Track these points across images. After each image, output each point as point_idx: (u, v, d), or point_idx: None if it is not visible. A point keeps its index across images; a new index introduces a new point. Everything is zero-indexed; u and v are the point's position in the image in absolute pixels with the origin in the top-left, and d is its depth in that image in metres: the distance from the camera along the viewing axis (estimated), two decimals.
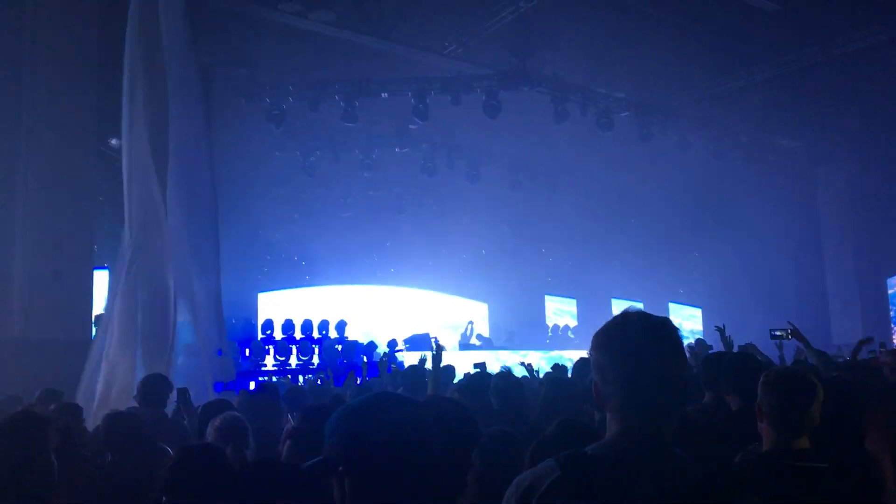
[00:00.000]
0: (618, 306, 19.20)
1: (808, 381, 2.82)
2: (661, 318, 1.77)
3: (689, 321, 19.43)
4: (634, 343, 1.69)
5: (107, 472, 3.72)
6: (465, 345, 17.36)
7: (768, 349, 6.40)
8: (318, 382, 8.93)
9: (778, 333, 6.03)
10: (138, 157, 7.35)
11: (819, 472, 2.60)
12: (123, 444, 3.80)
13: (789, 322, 6.00)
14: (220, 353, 13.09)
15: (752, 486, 2.40)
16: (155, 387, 5.30)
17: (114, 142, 11.65)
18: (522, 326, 18.95)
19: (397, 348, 15.44)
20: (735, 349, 6.10)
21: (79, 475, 3.38)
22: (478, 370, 6.12)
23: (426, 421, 1.62)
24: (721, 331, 6.17)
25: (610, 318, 1.79)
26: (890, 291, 17.39)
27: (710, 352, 6.67)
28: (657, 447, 1.64)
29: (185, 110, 7.55)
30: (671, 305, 19.12)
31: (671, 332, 1.74)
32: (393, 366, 10.15)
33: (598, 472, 1.60)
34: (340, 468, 1.55)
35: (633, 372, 1.68)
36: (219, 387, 9.74)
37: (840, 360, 6.30)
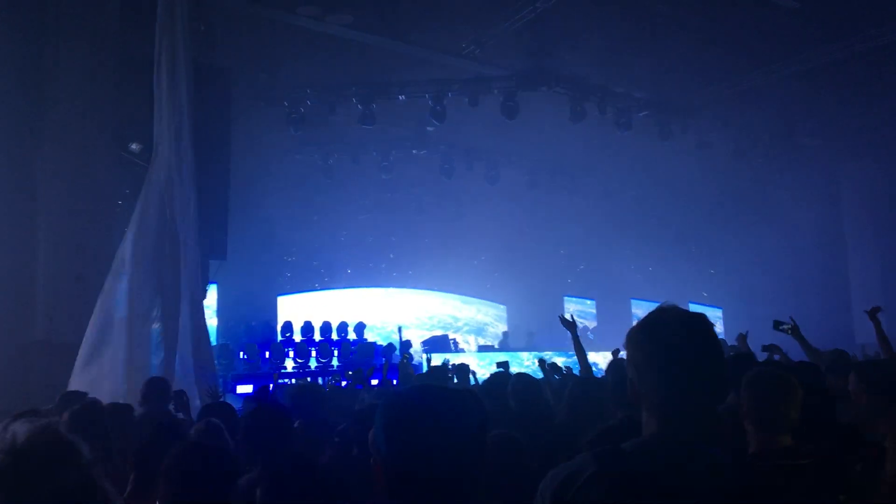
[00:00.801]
0: (637, 307, 19.11)
1: (785, 379, 2.89)
2: (698, 313, 1.74)
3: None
4: (673, 339, 1.66)
5: None
6: (483, 347, 17.37)
7: (794, 348, 6.31)
8: (336, 383, 8.94)
9: (783, 328, 5.94)
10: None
11: (801, 468, 2.67)
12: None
13: (791, 318, 5.92)
14: (243, 355, 13.18)
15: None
16: (158, 388, 5.47)
17: (134, 146, 11.74)
18: (542, 328, 18.88)
19: (412, 349, 15.44)
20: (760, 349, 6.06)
21: None
22: (500, 370, 6.07)
23: (469, 414, 1.58)
24: (742, 338, 6.09)
25: (646, 314, 1.76)
26: None
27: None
28: (694, 447, 1.62)
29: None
30: (692, 306, 18.96)
31: (709, 328, 1.71)
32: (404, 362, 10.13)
33: (635, 469, 1.58)
34: (380, 459, 1.54)
35: (672, 369, 1.65)
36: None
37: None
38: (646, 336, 1.71)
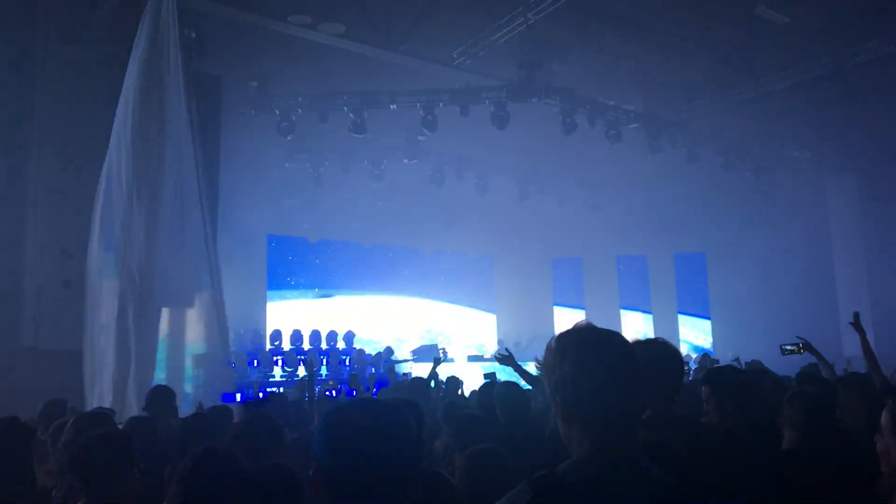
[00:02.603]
0: (626, 318, 19.18)
1: None
2: (614, 331, 1.77)
3: (696, 332, 19.33)
4: (611, 361, 1.68)
5: None
6: (473, 357, 17.33)
7: (777, 363, 6.34)
8: (327, 394, 8.90)
9: (789, 348, 5.95)
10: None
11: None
12: None
13: (799, 336, 5.92)
14: (230, 363, 13.13)
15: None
16: (162, 397, 5.40)
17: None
18: (531, 338, 18.91)
19: (401, 359, 15.42)
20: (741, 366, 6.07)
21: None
22: (487, 381, 6.03)
23: (401, 425, 1.66)
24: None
25: (561, 333, 1.77)
26: None
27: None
28: (633, 465, 1.64)
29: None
30: (680, 317, 19.05)
31: (629, 346, 1.75)
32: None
33: (573, 496, 1.57)
34: (318, 471, 1.60)
35: (603, 386, 1.66)
36: (226, 397, 9.74)
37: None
38: (576, 355, 1.70)
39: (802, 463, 2.82)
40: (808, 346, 5.75)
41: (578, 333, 1.74)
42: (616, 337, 1.74)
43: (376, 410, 1.68)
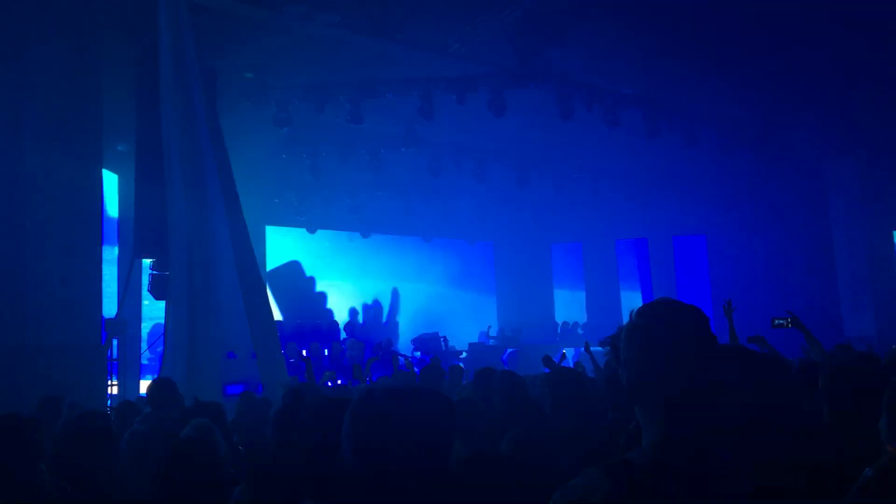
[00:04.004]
0: (626, 300, 19.20)
1: None
2: (692, 307, 1.70)
3: None
4: (674, 339, 1.62)
5: None
6: (475, 343, 17.37)
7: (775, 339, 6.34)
8: (329, 384, 8.93)
9: (779, 322, 5.95)
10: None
11: None
12: None
13: (788, 311, 5.93)
14: (231, 355, 13.16)
15: None
16: (166, 390, 5.41)
17: (120, 147, 11.69)
18: (532, 323, 18.97)
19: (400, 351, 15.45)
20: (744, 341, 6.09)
21: None
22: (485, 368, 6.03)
23: (441, 416, 1.59)
24: (726, 309, 6.00)
25: (639, 310, 1.71)
26: None
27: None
28: (702, 451, 1.60)
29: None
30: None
31: (704, 322, 1.67)
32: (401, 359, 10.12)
33: (649, 483, 1.53)
34: (341, 466, 1.55)
35: (671, 367, 1.60)
36: (229, 389, 9.77)
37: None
38: (645, 334, 1.65)
39: None
40: (796, 322, 5.76)
41: (649, 313, 1.69)
42: (687, 315, 1.67)
43: (410, 399, 1.59)
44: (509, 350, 16.31)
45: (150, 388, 5.54)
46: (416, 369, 9.55)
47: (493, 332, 18.54)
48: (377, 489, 1.51)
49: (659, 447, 1.59)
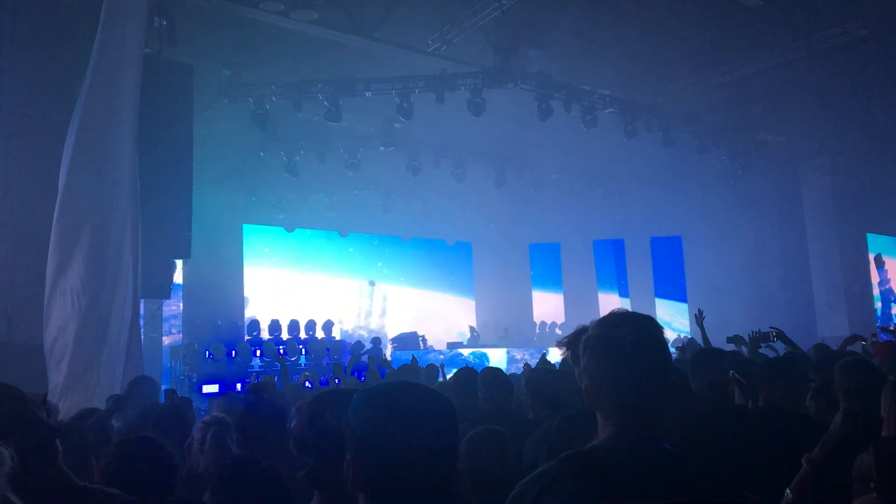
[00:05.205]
0: (604, 301, 19.29)
1: None
2: (647, 317, 1.82)
3: (676, 316, 19.50)
4: (623, 350, 1.73)
5: None
6: (454, 344, 17.36)
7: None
8: (306, 385, 8.88)
9: (761, 334, 6.08)
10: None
11: None
12: None
13: (771, 327, 6.09)
14: (208, 354, 13.05)
15: None
16: (146, 388, 5.37)
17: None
18: (510, 323, 19.00)
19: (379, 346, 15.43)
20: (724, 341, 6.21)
21: None
22: (465, 366, 6.05)
23: (450, 412, 1.59)
24: (698, 318, 6.34)
25: (595, 321, 1.84)
26: (881, 288, 17.56)
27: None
28: (653, 444, 1.69)
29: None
30: (657, 301, 19.19)
31: (657, 333, 1.79)
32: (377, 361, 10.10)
33: (600, 470, 1.63)
34: (357, 453, 1.52)
35: (623, 378, 1.72)
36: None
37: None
38: (598, 345, 1.77)
39: None
40: (781, 336, 5.95)
41: (601, 322, 1.82)
42: (635, 323, 1.79)
43: (421, 396, 1.58)
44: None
45: (132, 386, 5.50)
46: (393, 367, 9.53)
47: (471, 332, 18.56)
48: (388, 482, 1.50)
49: (610, 440, 1.72)
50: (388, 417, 1.52)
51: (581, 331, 1.87)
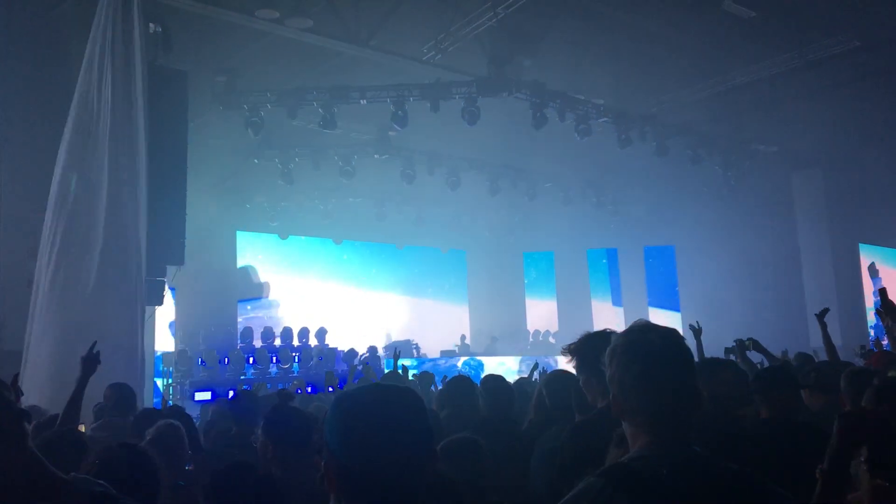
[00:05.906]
0: (597, 309, 19.30)
1: None
2: (670, 329, 1.85)
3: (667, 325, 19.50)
4: (653, 357, 1.76)
5: None
6: (447, 351, 17.36)
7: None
8: (297, 391, 8.86)
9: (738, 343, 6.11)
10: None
11: None
12: None
13: (750, 338, 6.13)
14: (201, 362, 13.02)
15: None
16: (126, 396, 5.32)
17: None
18: (504, 332, 19.00)
19: (376, 354, 15.42)
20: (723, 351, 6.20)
21: None
22: (457, 375, 6.04)
23: (422, 412, 1.55)
24: (695, 330, 6.33)
25: (620, 333, 1.86)
26: (874, 300, 17.60)
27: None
28: (687, 450, 1.72)
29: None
30: (650, 310, 19.22)
31: (682, 340, 1.83)
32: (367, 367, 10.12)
33: (646, 481, 1.65)
34: (329, 460, 1.49)
35: (655, 384, 1.74)
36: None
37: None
38: (626, 355, 1.79)
39: None
40: (756, 346, 5.96)
41: (626, 332, 1.84)
42: (661, 330, 1.82)
43: (391, 395, 1.54)
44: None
45: (108, 394, 5.41)
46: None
47: (461, 341, 18.55)
48: (370, 480, 1.47)
49: (648, 452, 1.72)
50: (351, 425, 1.49)
51: (587, 338, 1.91)
